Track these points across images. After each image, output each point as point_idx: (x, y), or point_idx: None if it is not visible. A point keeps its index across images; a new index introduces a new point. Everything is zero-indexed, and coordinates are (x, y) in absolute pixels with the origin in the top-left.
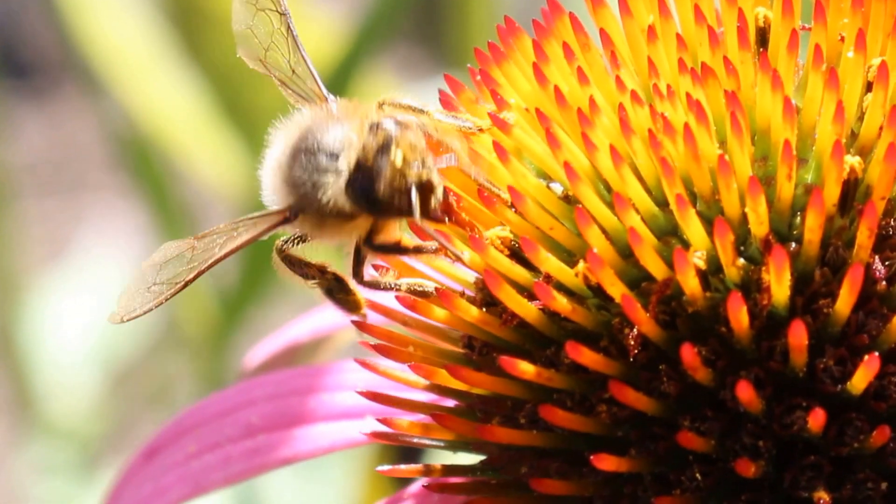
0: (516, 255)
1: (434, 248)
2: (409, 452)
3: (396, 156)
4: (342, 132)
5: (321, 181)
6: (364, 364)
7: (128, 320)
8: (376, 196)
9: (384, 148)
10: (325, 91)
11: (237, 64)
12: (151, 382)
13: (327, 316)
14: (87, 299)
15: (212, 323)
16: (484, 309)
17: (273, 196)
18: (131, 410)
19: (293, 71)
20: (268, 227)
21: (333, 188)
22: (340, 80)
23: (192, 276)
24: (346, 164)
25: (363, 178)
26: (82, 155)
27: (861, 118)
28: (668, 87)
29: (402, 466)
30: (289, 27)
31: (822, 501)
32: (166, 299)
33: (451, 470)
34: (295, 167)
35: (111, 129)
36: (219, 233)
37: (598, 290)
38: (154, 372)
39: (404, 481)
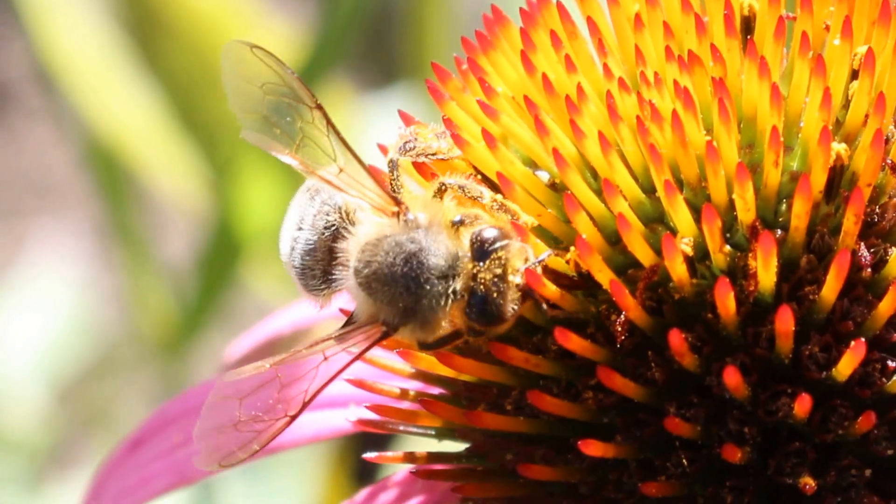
0: None
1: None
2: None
3: (515, 276)
4: (444, 248)
5: (435, 304)
6: (350, 352)
7: (229, 467)
8: (499, 315)
9: (499, 269)
10: (389, 192)
11: (194, 74)
12: (98, 397)
13: (307, 309)
14: (33, 315)
15: (171, 329)
16: None
17: (361, 306)
18: (77, 424)
19: (341, 170)
20: (370, 345)
21: (448, 309)
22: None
23: (296, 410)
24: (460, 285)
25: (483, 302)
26: (26, 174)
27: (846, 106)
28: (656, 74)
29: (390, 453)
30: (328, 123)
31: (807, 487)
32: (269, 440)
33: (436, 457)
34: (397, 287)
35: (70, 140)
36: (303, 357)
37: (586, 277)
38: (100, 386)
39: (363, 481)
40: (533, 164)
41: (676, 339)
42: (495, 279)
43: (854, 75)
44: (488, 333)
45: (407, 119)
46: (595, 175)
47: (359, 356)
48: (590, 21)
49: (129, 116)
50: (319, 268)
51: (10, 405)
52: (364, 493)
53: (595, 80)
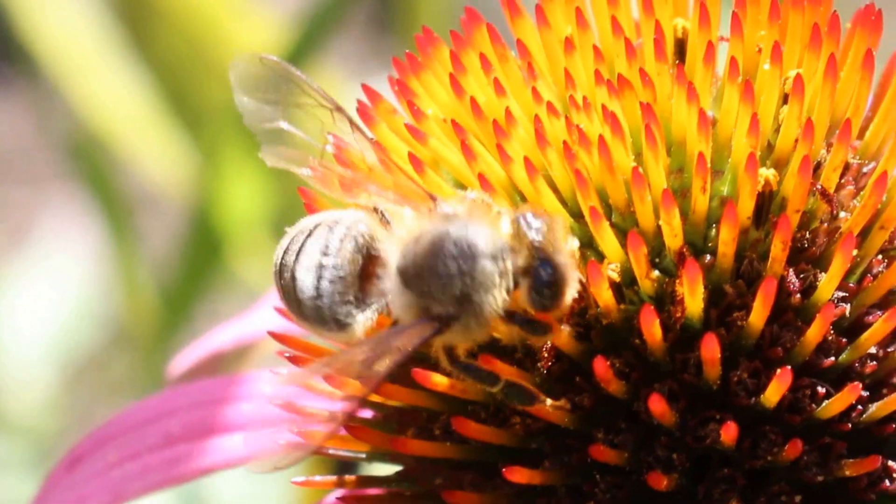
0: None
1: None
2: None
3: (573, 246)
4: (489, 230)
5: (490, 286)
6: (280, 375)
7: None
8: (565, 285)
9: (555, 240)
10: (423, 188)
11: (182, 59)
12: (107, 377)
13: (251, 324)
14: (42, 293)
15: (155, 319)
16: None
17: (403, 308)
18: (87, 405)
19: (370, 169)
20: (420, 342)
21: (503, 292)
22: None
23: (351, 406)
24: (521, 261)
25: (552, 270)
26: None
27: (778, 130)
28: (585, 98)
29: (317, 478)
30: (351, 125)
31: None
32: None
33: (365, 481)
34: (450, 272)
35: (57, 124)
36: (353, 361)
37: None
38: (110, 367)
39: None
40: (463, 187)
41: (601, 366)
42: (555, 250)
43: (785, 99)
44: (552, 314)
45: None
46: (524, 199)
47: (410, 353)
48: (520, 44)
49: (116, 101)
50: (352, 293)
51: (17, 388)
52: None
53: (524, 104)
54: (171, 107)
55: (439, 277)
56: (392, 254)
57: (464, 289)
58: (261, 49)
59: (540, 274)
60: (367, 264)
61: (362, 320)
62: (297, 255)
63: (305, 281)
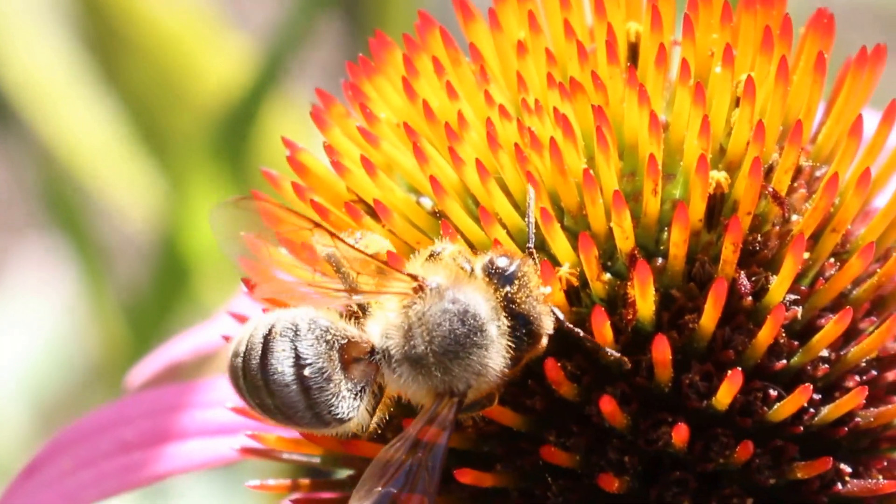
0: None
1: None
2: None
3: (542, 289)
4: (478, 294)
5: (498, 346)
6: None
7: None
8: (540, 329)
9: (527, 287)
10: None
11: (152, 90)
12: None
13: (209, 334)
14: (16, 335)
15: (125, 352)
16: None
17: (417, 391)
18: None
19: (358, 273)
20: (454, 417)
21: (503, 345)
22: (254, 103)
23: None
24: (502, 317)
25: (527, 322)
26: (21, 194)
27: (730, 134)
28: (537, 101)
29: (271, 482)
30: (332, 234)
31: None
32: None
33: (319, 485)
34: (465, 348)
35: (31, 171)
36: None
37: None
38: (82, 405)
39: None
40: (415, 191)
41: (553, 369)
42: (528, 297)
43: (737, 103)
44: (527, 357)
45: (291, 146)
46: (476, 202)
47: (449, 435)
48: (473, 47)
49: (86, 133)
50: (343, 387)
51: None
52: None
53: (477, 107)
54: (141, 139)
55: (459, 357)
56: (377, 336)
57: (480, 360)
58: (228, 78)
59: (518, 326)
60: (342, 355)
61: (362, 408)
62: (265, 370)
63: (291, 396)
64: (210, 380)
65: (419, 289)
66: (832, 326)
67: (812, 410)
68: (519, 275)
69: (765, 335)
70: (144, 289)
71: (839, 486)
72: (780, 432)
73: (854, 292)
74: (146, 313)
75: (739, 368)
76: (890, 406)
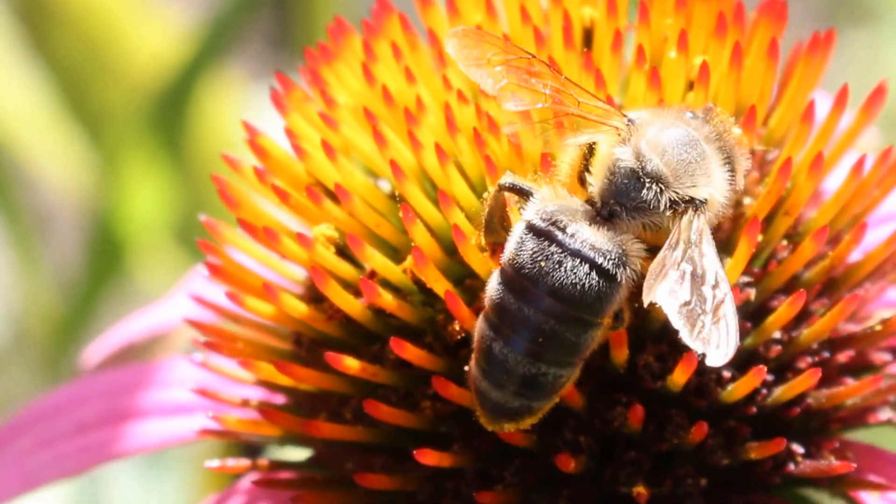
0: (343, 252)
1: None
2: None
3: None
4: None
5: (713, 169)
6: (195, 361)
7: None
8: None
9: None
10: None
11: (83, 62)
12: (6, 384)
13: (164, 313)
14: None
15: (57, 326)
16: (311, 305)
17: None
18: None
19: (578, 103)
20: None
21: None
22: (190, 80)
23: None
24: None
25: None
26: None
27: None
28: None
29: (230, 463)
30: (548, 65)
31: (639, 496)
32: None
33: (278, 466)
34: (690, 162)
35: None
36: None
37: (423, 287)
38: (9, 373)
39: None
40: (374, 174)
41: None
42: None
43: (691, 87)
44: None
45: (250, 129)
46: (435, 186)
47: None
48: (431, 32)
49: (16, 105)
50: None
51: None
52: (211, 499)
53: (435, 91)
54: (71, 111)
55: (693, 162)
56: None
57: (709, 168)
58: (161, 53)
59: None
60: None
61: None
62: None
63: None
64: (167, 360)
65: (631, 122)
66: (785, 308)
67: (765, 391)
68: (717, 112)
69: None
70: (77, 263)
71: (791, 466)
72: (733, 413)
73: (806, 274)
74: (78, 288)
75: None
76: (842, 387)
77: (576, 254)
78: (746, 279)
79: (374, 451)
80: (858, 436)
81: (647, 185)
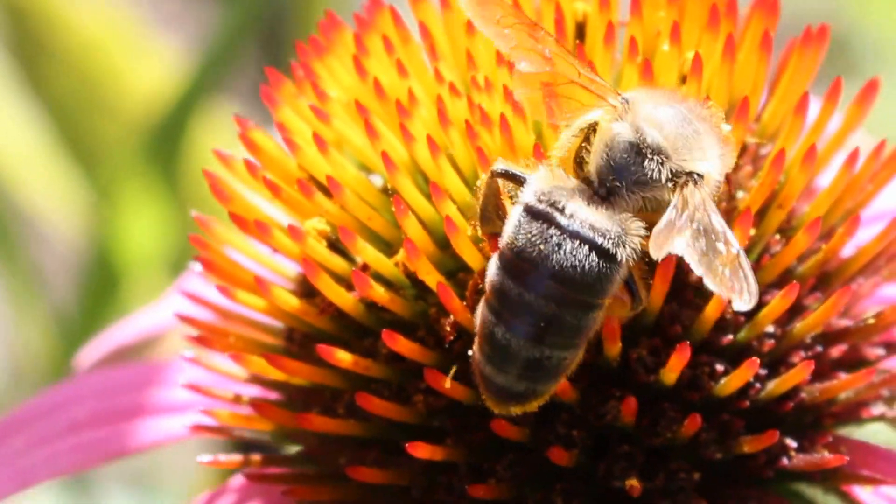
0: (335, 245)
1: None
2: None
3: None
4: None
5: (708, 142)
6: (188, 359)
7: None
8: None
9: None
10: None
11: (77, 98)
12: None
13: (155, 317)
14: None
15: (53, 360)
16: (303, 300)
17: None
18: None
19: (579, 73)
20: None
21: None
22: (183, 114)
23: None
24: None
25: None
26: None
27: None
28: (486, 79)
29: (223, 457)
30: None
31: (633, 489)
32: None
33: (270, 461)
34: (687, 137)
35: None
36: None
37: (415, 280)
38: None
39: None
40: (366, 168)
41: None
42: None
43: (684, 80)
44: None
45: (242, 123)
46: (427, 179)
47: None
48: (422, 26)
49: (11, 140)
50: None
51: None
52: (203, 497)
53: (427, 85)
54: (66, 147)
55: (689, 137)
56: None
57: (702, 143)
58: (155, 87)
59: None
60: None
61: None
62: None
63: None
64: (160, 360)
65: (625, 102)
66: (778, 302)
67: (758, 385)
68: (709, 105)
69: (712, 310)
70: (73, 298)
71: (785, 460)
72: (726, 407)
73: (799, 268)
74: (75, 323)
75: (687, 343)
76: (835, 381)
77: (575, 235)
78: None
79: (366, 445)
80: (851, 432)
81: (648, 157)
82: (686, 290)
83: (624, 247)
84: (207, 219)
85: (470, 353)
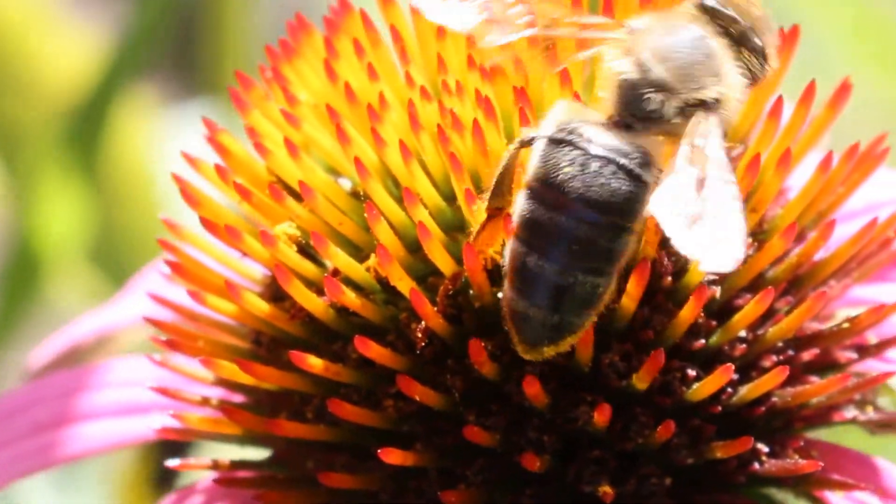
0: (305, 250)
1: None
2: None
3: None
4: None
5: (723, 66)
6: (154, 360)
7: None
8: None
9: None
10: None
11: None
12: None
13: (111, 315)
14: None
15: None
16: (273, 304)
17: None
18: None
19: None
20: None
21: None
22: (103, 99)
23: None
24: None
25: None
26: None
27: None
28: (458, 83)
29: (192, 460)
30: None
31: (605, 495)
32: None
33: (239, 465)
34: (694, 63)
35: None
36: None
37: (386, 285)
38: None
39: (163, 489)
40: (336, 173)
41: (476, 348)
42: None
43: None
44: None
45: (210, 126)
46: (397, 183)
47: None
48: (393, 29)
49: None
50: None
51: None
52: (169, 499)
53: (397, 89)
54: None
55: (698, 63)
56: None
57: (715, 67)
58: (73, 71)
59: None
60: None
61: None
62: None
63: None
64: (122, 360)
65: (630, 32)
66: (751, 307)
67: (730, 390)
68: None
69: (685, 315)
70: None
71: (756, 465)
72: (697, 412)
73: (771, 272)
74: None
75: (660, 348)
76: (807, 386)
77: (599, 156)
78: (711, 277)
79: (336, 449)
80: (823, 434)
81: (652, 94)
82: (658, 294)
83: (650, 169)
84: (174, 221)
85: (500, 294)
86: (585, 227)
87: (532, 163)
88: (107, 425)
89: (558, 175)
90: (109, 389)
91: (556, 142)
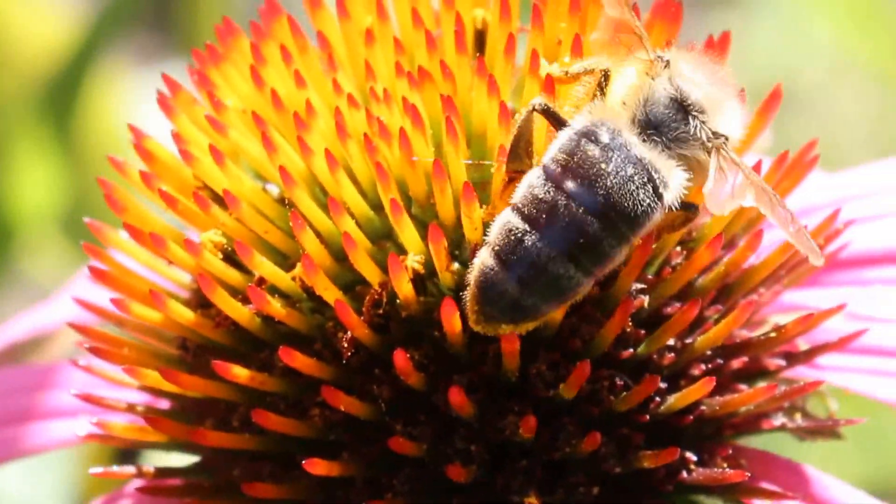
0: (231, 258)
1: None
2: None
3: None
4: None
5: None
6: (77, 365)
7: None
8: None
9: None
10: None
11: None
12: None
13: (48, 314)
14: None
15: None
16: (198, 311)
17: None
18: None
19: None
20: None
21: None
22: (77, 68)
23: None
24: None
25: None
26: None
27: None
28: (385, 90)
29: (115, 468)
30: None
31: None
32: None
33: (164, 472)
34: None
35: None
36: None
37: (312, 294)
38: None
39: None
40: (264, 179)
41: (401, 359)
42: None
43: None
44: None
45: (173, 85)
46: (325, 191)
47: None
48: (320, 35)
49: None
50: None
51: None
52: (98, 501)
53: (325, 96)
54: None
55: (723, 95)
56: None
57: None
58: (47, 40)
59: None
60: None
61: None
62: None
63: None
64: (56, 362)
65: (659, 59)
66: (679, 315)
67: (658, 399)
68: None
69: (613, 324)
70: None
71: (685, 474)
72: (626, 421)
73: (700, 281)
74: None
75: (587, 358)
76: (735, 394)
77: (636, 163)
78: (639, 286)
79: (262, 458)
80: (752, 441)
81: (692, 115)
82: (586, 304)
83: (668, 190)
84: (100, 225)
85: (475, 260)
86: (598, 225)
87: (555, 146)
88: (39, 427)
89: (590, 168)
90: (42, 392)
91: (588, 134)
